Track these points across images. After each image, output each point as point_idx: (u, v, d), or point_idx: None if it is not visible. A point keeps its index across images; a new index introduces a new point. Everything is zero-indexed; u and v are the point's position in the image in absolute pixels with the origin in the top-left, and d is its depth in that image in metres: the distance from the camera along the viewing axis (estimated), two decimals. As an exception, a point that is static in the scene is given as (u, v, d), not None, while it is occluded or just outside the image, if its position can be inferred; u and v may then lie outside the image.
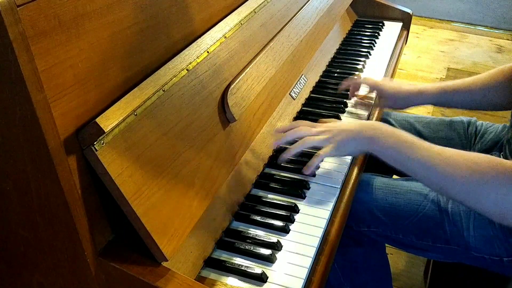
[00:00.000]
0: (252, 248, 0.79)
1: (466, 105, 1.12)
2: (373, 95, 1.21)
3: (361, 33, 1.57)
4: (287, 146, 0.92)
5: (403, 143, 0.82)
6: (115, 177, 0.61)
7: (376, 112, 1.18)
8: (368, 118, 1.16)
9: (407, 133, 0.84)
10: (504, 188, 0.71)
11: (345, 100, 1.20)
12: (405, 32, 1.62)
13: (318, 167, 0.95)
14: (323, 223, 0.85)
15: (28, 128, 0.56)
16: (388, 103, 1.16)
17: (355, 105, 1.20)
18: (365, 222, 0.99)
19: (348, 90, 1.22)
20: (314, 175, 0.96)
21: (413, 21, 1.71)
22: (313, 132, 0.91)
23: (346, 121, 0.93)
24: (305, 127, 0.93)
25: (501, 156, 1.00)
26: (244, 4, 0.99)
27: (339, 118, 1.14)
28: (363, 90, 1.23)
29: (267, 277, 0.75)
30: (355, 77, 1.25)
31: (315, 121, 1.12)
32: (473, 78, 1.09)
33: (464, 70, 2.72)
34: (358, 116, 1.16)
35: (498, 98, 1.07)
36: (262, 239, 0.81)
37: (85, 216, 0.64)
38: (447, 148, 0.80)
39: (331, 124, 0.93)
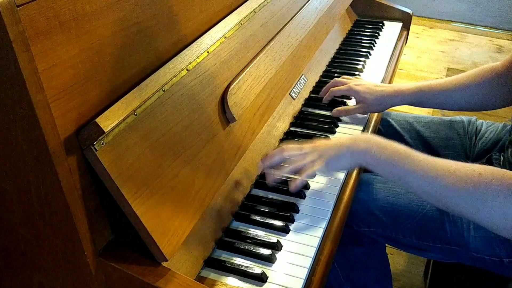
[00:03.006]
0: (252, 248, 0.79)
1: (445, 105, 1.10)
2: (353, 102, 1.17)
3: (361, 33, 1.57)
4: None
5: (400, 155, 0.78)
6: (115, 177, 0.61)
7: (376, 114, 1.18)
8: (368, 120, 1.16)
9: (401, 144, 0.81)
10: (510, 200, 0.68)
11: (345, 100, 1.20)
12: (405, 32, 1.62)
13: (307, 186, 0.92)
14: (323, 223, 0.85)
15: (28, 128, 0.56)
16: (363, 106, 1.11)
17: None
18: (365, 222, 0.99)
19: (343, 96, 1.18)
20: (314, 175, 0.95)
21: (413, 21, 1.71)
22: (302, 153, 0.86)
23: (338, 137, 0.90)
24: (293, 147, 0.88)
25: (502, 157, 1.00)
26: (244, 4, 0.99)
27: (339, 119, 1.14)
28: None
29: (267, 277, 0.75)
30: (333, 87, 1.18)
31: (315, 121, 1.13)
32: (451, 78, 1.07)
33: (464, 70, 2.68)
34: (358, 118, 1.16)
35: (478, 98, 1.04)
36: (262, 239, 0.81)
37: (85, 216, 0.64)
38: (445, 159, 0.76)
39: (320, 142, 0.88)
